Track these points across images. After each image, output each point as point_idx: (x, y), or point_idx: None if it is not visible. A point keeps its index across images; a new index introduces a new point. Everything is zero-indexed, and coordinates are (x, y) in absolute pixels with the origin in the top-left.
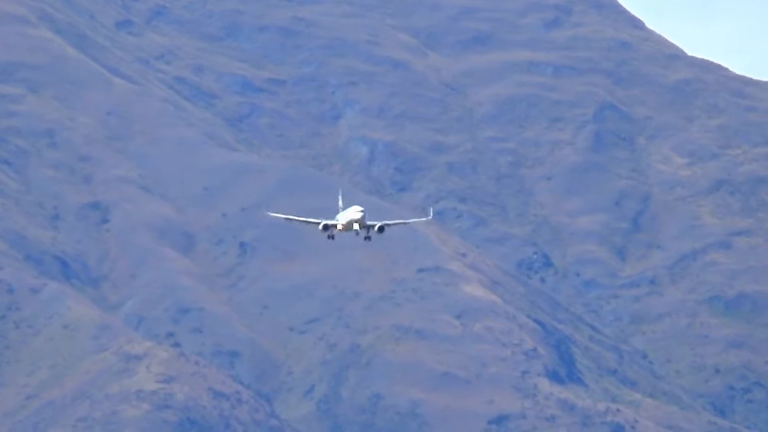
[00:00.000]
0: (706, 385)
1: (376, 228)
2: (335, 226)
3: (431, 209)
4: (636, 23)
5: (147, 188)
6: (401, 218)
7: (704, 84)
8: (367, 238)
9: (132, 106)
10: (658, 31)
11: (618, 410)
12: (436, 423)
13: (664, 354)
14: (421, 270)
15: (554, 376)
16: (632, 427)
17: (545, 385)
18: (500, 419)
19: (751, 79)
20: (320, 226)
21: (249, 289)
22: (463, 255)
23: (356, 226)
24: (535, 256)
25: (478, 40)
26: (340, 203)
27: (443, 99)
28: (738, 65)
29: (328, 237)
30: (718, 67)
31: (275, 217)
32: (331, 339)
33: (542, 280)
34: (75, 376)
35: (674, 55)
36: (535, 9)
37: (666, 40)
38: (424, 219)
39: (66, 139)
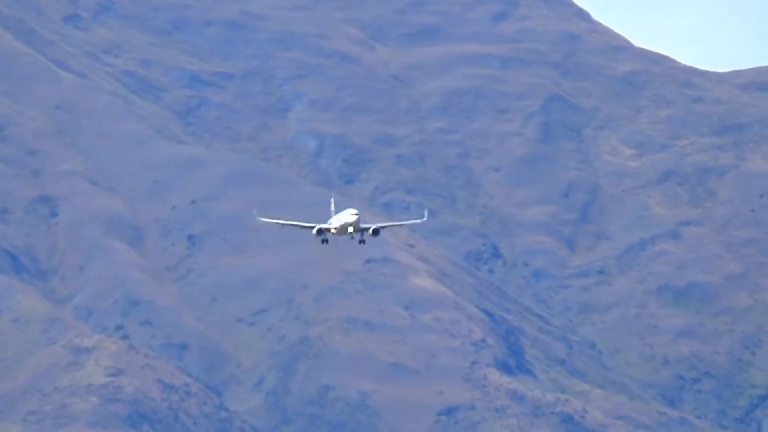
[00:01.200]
0: (655, 375)
1: (370, 231)
2: (329, 230)
3: (426, 211)
4: (583, 15)
5: (96, 182)
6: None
7: (651, 75)
8: (362, 241)
9: (80, 100)
10: (604, 22)
11: (567, 400)
12: (385, 414)
13: (613, 344)
14: (369, 261)
15: (503, 367)
16: (581, 417)
17: (494, 375)
18: (450, 410)
19: (698, 70)
20: (314, 231)
21: (198, 282)
22: (412, 246)
23: (351, 230)
24: (483, 247)
25: (425, 32)
26: (332, 207)
27: (391, 91)
28: (685, 56)
29: (322, 242)
30: (666, 58)
31: (266, 222)
32: (280, 331)
33: (491, 270)
34: (25, 370)
35: (621, 47)
36: (482, 2)
37: (613, 32)
38: (419, 220)
39: (14, 133)
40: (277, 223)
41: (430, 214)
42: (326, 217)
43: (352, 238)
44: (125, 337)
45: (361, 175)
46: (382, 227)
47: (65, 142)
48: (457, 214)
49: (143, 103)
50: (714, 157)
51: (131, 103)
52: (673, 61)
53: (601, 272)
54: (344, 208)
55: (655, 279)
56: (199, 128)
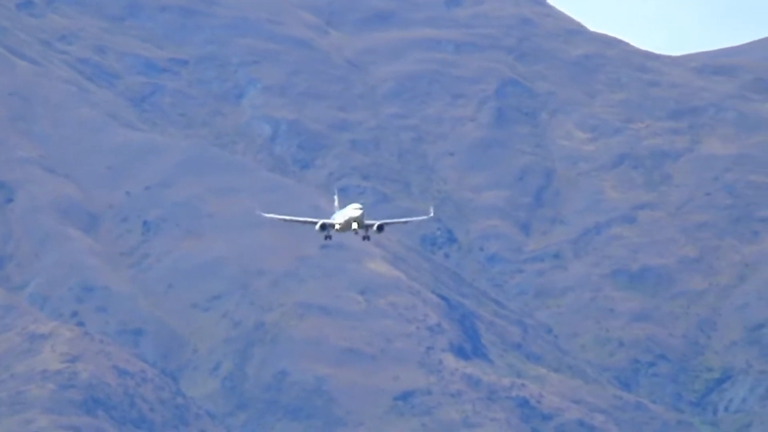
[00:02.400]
0: (610, 359)
1: (375, 227)
2: (333, 225)
3: (431, 207)
4: None
5: (51, 168)
6: (304, 196)
7: (606, 59)
8: (366, 237)
9: (35, 87)
10: (558, 6)
11: (523, 385)
12: (341, 399)
13: (568, 328)
14: (325, 247)
15: (459, 352)
16: (537, 402)
17: (450, 360)
18: (406, 395)
19: (653, 54)
20: (317, 226)
21: (153, 268)
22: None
23: (355, 225)
24: (438, 232)
25: (379, 17)
26: (336, 203)
27: (345, 76)
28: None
29: (326, 237)
30: (620, 42)
31: (269, 218)
32: (236, 316)
33: (446, 255)
34: None
35: (576, 31)
36: None
37: (567, 16)
38: (425, 217)
39: None
40: (280, 219)
41: (386, 199)
42: (281, 203)
43: (356, 233)
44: (80, 323)
45: (316, 160)
46: (387, 223)
47: (20, 129)
48: (412, 199)
49: (98, 90)
50: (669, 140)
51: (86, 90)
52: (628, 44)
53: (556, 256)
54: (301, 195)
55: (610, 263)
56: (154, 114)
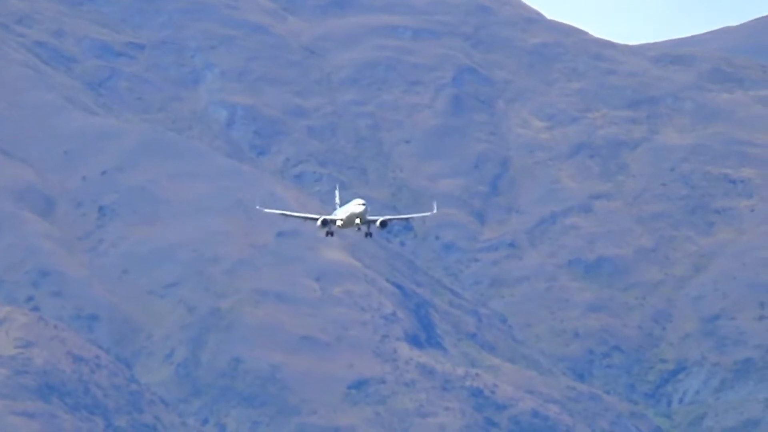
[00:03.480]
0: (565, 350)
1: (377, 223)
2: (334, 221)
3: (435, 203)
4: None
5: (6, 152)
6: (260, 182)
7: (563, 48)
8: (368, 234)
9: None
10: None
11: (477, 375)
12: (296, 387)
13: (523, 318)
14: (280, 234)
15: (414, 341)
16: (491, 392)
17: (405, 349)
18: (360, 383)
19: (610, 43)
20: (318, 222)
21: (109, 253)
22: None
23: (358, 221)
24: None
25: (336, 3)
26: (337, 199)
27: (303, 62)
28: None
29: (327, 234)
30: (578, 30)
31: (270, 213)
32: (191, 303)
33: (402, 243)
34: None
35: (533, 19)
36: None
37: (524, 4)
38: (428, 213)
39: None
40: (281, 214)
41: (342, 186)
42: (237, 189)
43: (359, 229)
44: (35, 308)
45: (272, 146)
46: (390, 219)
47: None
48: (368, 186)
49: (54, 74)
50: (626, 130)
51: (42, 74)
52: (586, 33)
53: (511, 246)
54: (257, 181)
55: (565, 253)
56: (110, 99)
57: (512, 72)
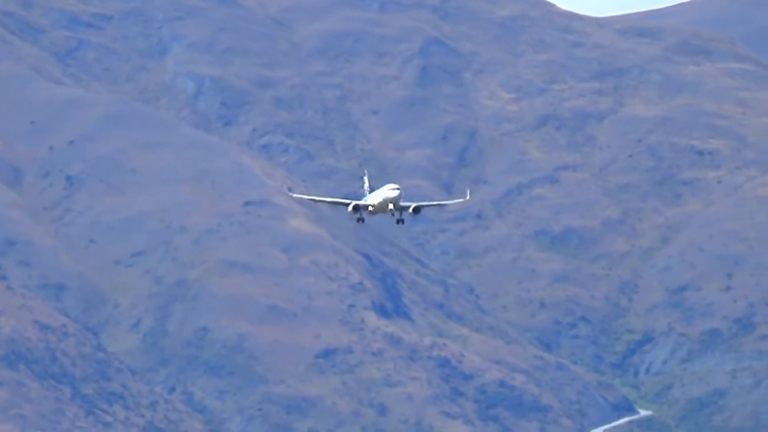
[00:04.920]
0: (532, 320)
1: (411, 209)
2: (366, 207)
3: (468, 190)
4: None
5: None
6: (227, 152)
7: (531, 20)
8: (400, 221)
9: None
10: None
11: (444, 344)
12: (262, 356)
13: (490, 288)
14: (247, 204)
15: (381, 310)
16: (458, 362)
17: (372, 319)
18: (327, 353)
19: (577, 15)
20: (350, 208)
21: (76, 223)
22: (290, 189)
23: (391, 207)
24: (361, 190)
25: None
26: (366, 185)
27: (270, 34)
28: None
29: (358, 220)
30: (545, 2)
31: (299, 197)
32: (158, 272)
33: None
34: None
35: None
36: None
37: None
38: (460, 200)
39: None
40: (310, 198)
41: (309, 157)
42: (204, 159)
43: (392, 215)
44: (2, 277)
45: (239, 117)
46: (424, 205)
47: None
48: (335, 156)
49: (22, 44)
50: (593, 102)
51: (10, 44)
52: (553, 5)
53: (478, 216)
54: (224, 152)
55: (532, 223)
56: (78, 69)
57: (479, 44)
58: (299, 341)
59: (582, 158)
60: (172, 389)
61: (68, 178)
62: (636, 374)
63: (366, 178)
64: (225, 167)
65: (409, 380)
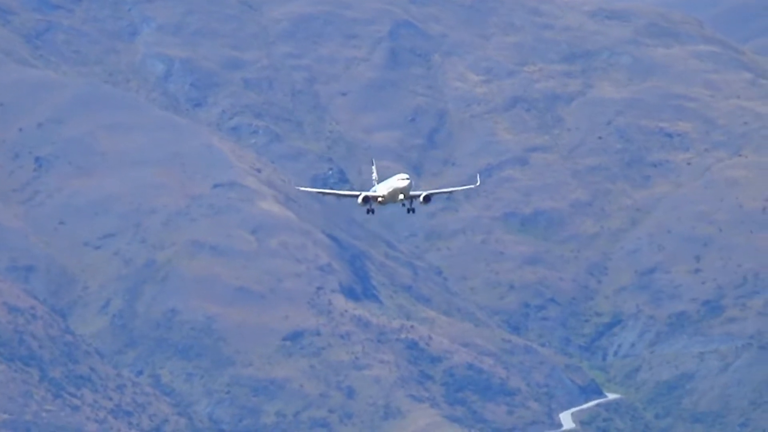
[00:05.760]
0: (500, 302)
1: (421, 198)
2: (376, 198)
3: (478, 176)
4: None
5: None
6: (197, 134)
7: (500, 2)
8: (411, 210)
9: None
10: None
11: (412, 327)
12: (231, 338)
13: (459, 270)
14: (216, 185)
15: (349, 293)
16: (426, 344)
17: (340, 301)
18: (295, 335)
19: None
20: (359, 199)
21: (45, 204)
22: (259, 171)
23: (401, 196)
24: (330, 172)
25: None
26: (374, 175)
27: (239, 16)
28: None
29: (368, 211)
30: None
31: (306, 191)
32: (127, 254)
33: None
34: None
35: None
36: None
37: None
38: (471, 186)
39: None
40: (319, 192)
41: (278, 138)
42: (174, 141)
43: (403, 205)
44: None
45: (208, 99)
46: (434, 193)
47: None
48: (303, 138)
49: None
50: (562, 84)
51: None
52: None
53: (447, 198)
54: (193, 133)
55: (501, 205)
56: (48, 51)
57: (449, 26)
58: (267, 323)
59: (551, 140)
60: (140, 372)
61: (37, 160)
62: (604, 357)
63: (374, 168)
64: (194, 149)
65: (377, 363)
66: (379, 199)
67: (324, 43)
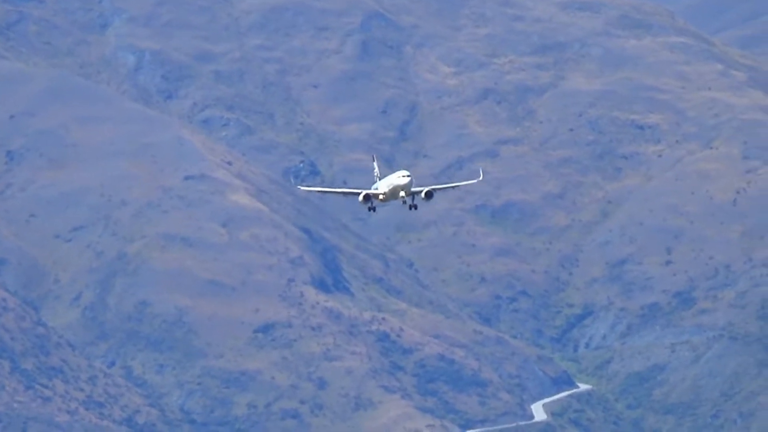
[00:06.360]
0: (472, 294)
1: (423, 194)
2: (377, 196)
3: (481, 170)
4: None
5: None
6: (168, 126)
7: None
8: (413, 206)
9: None
10: None
11: (384, 319)
12: (202, 331)
13: (430, 262)
14: (187, 178)
15: (320, 285)
16: (398, 336)
17: (311, 293)
18: (266, 327)
19: None
20: (360, 197)
21: (16, 197)
22: (230, 163)
23: (402, 194)
24: (301, 165)
25: None
26: (376, 171)
27: (210, 7)
28: None
29: (369, 209)
30: None
31: (308, 190)
32: (98, 247)
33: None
34: None
35: None
36: None
37: None
38: (474, 181)
39: None
40: (318, 191)
41: (249, 131)
42: (145, 133)
43: (404, 202)
44: None
45: (179, 91)
46: (436, 189)
47: None
48: (275, 131)
49: None
50: (533, 76)
51: None
52: None
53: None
54: (164, 125)
55: (473, 198)
56: (19, 43)
57: (420, 17)
58: (239, 315)
59: (522, 132)
60: (112, 363)
61: (8, 152)
62: (576, 348)
63: (376, 164)
64: (165, 141)
65: (349, 354)
66: (381, 196)
67: (295, 35)
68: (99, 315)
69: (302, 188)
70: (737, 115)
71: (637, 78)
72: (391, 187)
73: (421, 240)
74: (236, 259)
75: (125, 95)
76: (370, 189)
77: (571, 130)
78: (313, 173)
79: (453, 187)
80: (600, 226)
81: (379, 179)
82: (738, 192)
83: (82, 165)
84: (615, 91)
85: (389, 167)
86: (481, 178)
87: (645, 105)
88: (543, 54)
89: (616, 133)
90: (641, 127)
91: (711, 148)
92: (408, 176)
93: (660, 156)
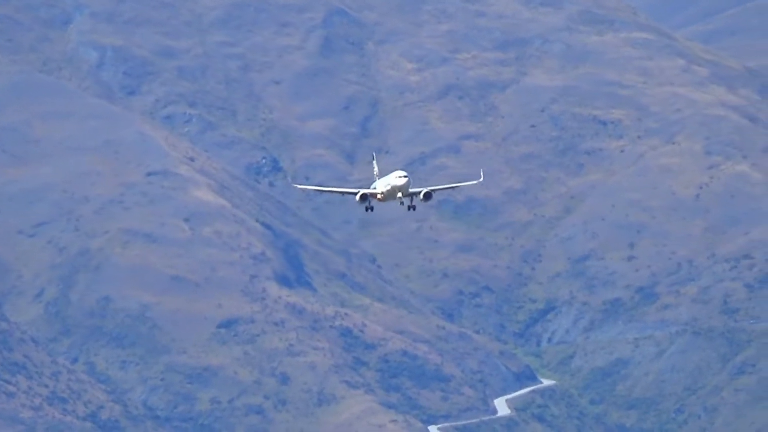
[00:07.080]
0: (434, 290)
1: (421, 195)
2: (375, 195)
3: (482, 171)
4: None
5: None
6: (130, 122)
7: None
8: (411, 207)
9: None
10: None
11: (346, 314)
12: (165, 326)
13: (393, 258)
14: (150, 174)
15: (283, 280)
16: (360, 331)
17: (274, 289)
18: (229, 323)
19: None
20: (357, 197)
21: None
22: (192, 159)
23: (399, 194)
24: (263, 160)
25: None
26: (375, 170)
27: (173, 4)
28: None
29: (367, 209)
30: None
31: (303, 189)
32: (61, 242)
33: (271, 184)
34: None
35: None
36: None
37: None
38: (474, 182)
39: None
40: (315, 189)
41: (211, 127)
42: (107, 129)
43: (402, 203)
44: None
45: (142, 87)
46: (434, 190)
47: None
48: (237, 126)
49: None
50: (495, 71)
51: None
52: None
53: None
54: (127, 122)
55: (435, 193)
56: None
57: (382, 14)
58: (201, 311)
59: (484, 128)
60: (75, 359)
61: None
62: (539, 343)
63: (375, 163)
64: (128, 137)
65: (312, 350)
66: (378, 196)
67: (257, 31)
68: (62, 311)
69: (299, 187)
70: (699, 111)
71: (599, 73)
72: (388, 187)
73: (384, 235)
74: (199, 254)
75: (88, 91)
76: (368, 189)
77: (533, 125)
78: (276, 169)
79: (452, 187)
80: (562, 221)
81: (379, 178)
82: (700, 187)
83: (45, 161)
84: (577, 86)
85: (351, 163)
86: (481, 179)
87: (607, 100)
88: (505, 50)
89: (578, 128)
90: (603, 123)
91: (673, 143)
92: (405, 177)
93: (622, 151)
